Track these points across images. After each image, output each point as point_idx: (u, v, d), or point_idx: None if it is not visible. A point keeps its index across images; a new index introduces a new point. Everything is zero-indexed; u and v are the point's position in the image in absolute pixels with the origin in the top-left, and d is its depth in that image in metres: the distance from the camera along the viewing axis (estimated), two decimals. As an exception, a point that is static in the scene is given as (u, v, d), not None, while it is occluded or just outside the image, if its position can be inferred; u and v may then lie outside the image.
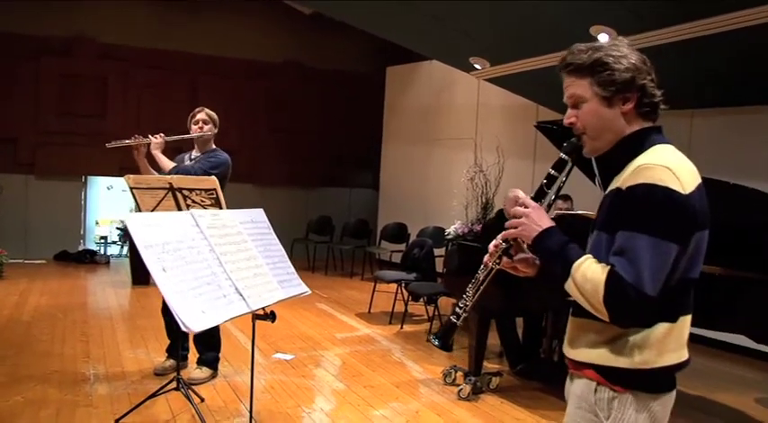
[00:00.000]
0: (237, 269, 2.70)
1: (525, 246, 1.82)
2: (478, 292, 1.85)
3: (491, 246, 1.83)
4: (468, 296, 1.85)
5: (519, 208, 1.73)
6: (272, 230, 3.21)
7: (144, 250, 2.39)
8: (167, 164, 4.52)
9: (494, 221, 5.89)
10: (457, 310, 1.86)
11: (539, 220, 1.69)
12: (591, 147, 1.71)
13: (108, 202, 11.04)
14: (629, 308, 1.50)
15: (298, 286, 3.00)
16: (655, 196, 1.50)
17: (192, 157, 4.67)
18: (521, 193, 5.38)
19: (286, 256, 3.18)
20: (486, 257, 1.85)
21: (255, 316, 2.82)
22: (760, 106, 5.88)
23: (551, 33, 5.44)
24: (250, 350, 5.38)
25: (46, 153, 9.75)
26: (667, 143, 1.65)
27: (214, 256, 2.62)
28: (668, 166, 1.52)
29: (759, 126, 6.00)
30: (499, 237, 1.81)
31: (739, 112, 6.09)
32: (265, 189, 10.93)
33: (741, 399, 4.83)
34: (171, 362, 4.63)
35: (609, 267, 1.52)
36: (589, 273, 1.54)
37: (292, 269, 3.09)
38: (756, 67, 5.11)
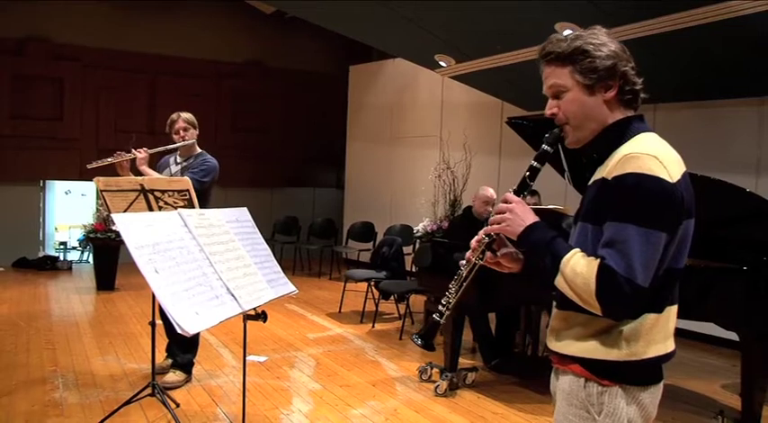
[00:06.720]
0: (228, 269, 2.66)
1: (509, 241, 1.80)
2: (462, 289, 1.81)
3: (473, 241, 1.79)
4: (450, 293, 1.81)
5: (502, 204, 1.70)
6: (257, 229, 3.19)
7: (135, 251, 2.33)
8: (157, 177, 4.38)
9: (460, 219, 5.91)
10: (440, 307, 1.82)
11: (523, 215, 1.66)
12: (574, 137, 1.68)
13: (66, 207, 10.77)
14: (623, 301, 1.48)
15: (285, 285, 2.97)
16: (644, 186, 1.48)
17: (178, 161, 4.64)
18: (490, 191, 5.42)
19: (272, 255, 3.15)
20: (468, 253, 1.80)
21: (246, 316, 2.78)
22: (722, 100, 6.03)
23: (517, 30, 5.48)
24: (222, 353, 5.36)
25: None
26: (650, 131, 1.64)
27: (204, 256, 2.57)
28: (655, 155, 1.51)
29: (721, 119, 6.16)
30: (482, 232, 1.77)
31: (702, 106, 6.23)
32: (229, 190, 10.75)
33: (708, 385, 4.95)
34: (169, 361, 4.62)
35: (599, 260, 1.49)
36: (579, 267, 1.51)
37: (278, 268, 3.07)
38: (718, 63, 5.23)
